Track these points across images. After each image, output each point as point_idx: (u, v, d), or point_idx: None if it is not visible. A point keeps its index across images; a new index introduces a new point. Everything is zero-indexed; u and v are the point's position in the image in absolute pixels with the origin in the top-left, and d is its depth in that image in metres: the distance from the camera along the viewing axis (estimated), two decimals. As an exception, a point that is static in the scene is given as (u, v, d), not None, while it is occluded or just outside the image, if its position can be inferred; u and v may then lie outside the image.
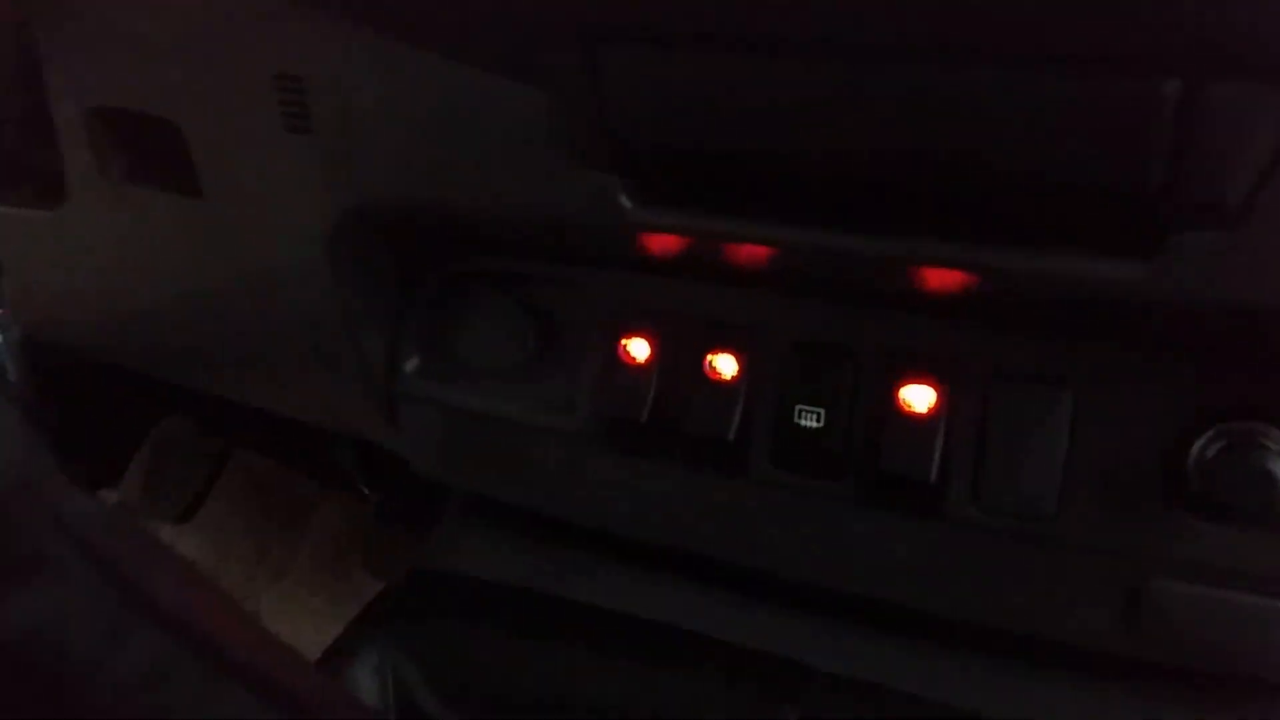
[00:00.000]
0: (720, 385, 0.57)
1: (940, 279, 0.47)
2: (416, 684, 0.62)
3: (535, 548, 0.68)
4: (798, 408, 0.55)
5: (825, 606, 0.60)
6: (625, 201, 0.50)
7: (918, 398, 0.53)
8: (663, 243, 0.52)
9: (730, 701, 0.58)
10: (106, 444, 1.46)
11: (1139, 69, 0.38)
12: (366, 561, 1.34)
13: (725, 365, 0.57)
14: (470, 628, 0.64)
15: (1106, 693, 0.55)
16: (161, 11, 0.59)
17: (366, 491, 1.35)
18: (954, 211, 0.45)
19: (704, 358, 0.57)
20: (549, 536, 0.67)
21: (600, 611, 0.63)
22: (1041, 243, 0.43)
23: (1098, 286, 0.43)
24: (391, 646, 0.62)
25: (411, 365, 0.67)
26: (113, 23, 0.62)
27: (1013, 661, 0.56)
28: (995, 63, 0.39)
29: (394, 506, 1.27)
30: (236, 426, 1.39)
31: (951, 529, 0.53)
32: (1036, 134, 0.40)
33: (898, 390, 0.53)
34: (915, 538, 0.55)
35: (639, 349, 0.59)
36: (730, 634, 0.61)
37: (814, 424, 0.55)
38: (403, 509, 1.23)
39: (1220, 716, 0.53)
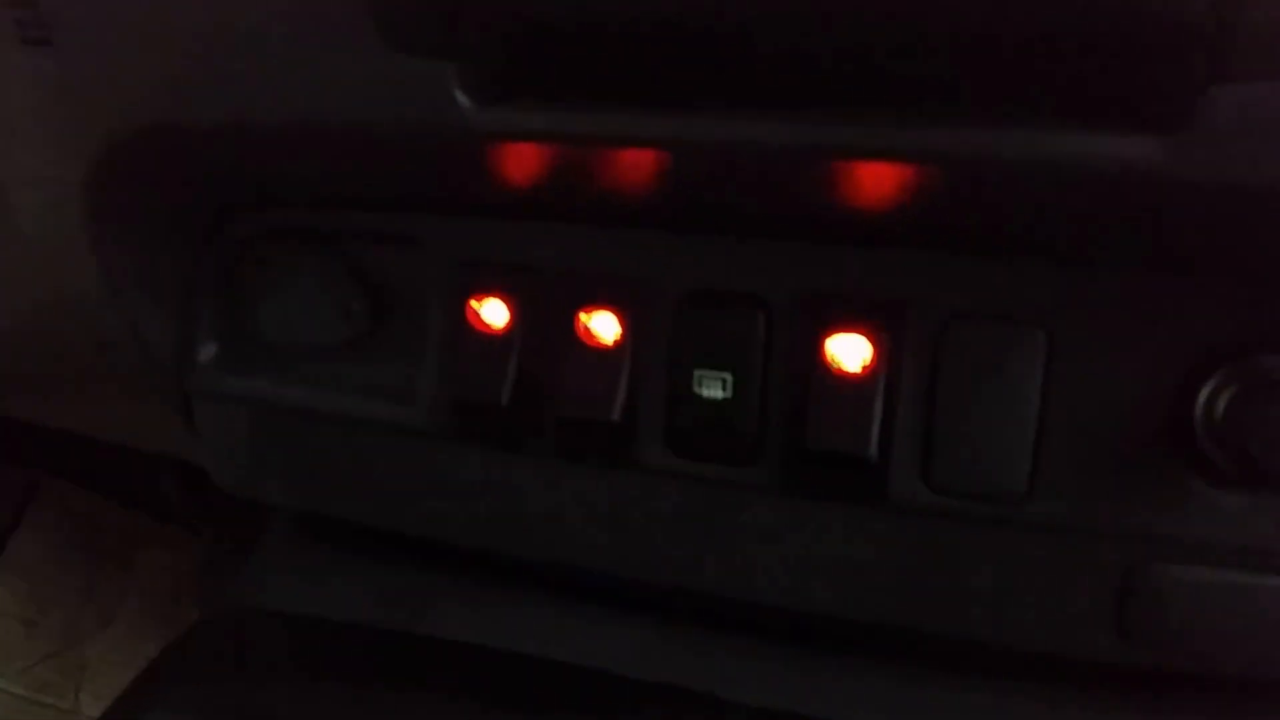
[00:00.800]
0: (598, 352, 0.46)
1: (880, 180, 0.36)
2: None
3: (375, 573, 0.55)
4: (697, 374, 0.44)
5: (744, 625, 0.49)
6: (462, 98, 0.38)
7: (849, 352, 0.42)
8: (516, 159, 0.40)
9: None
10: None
11: None
12: (199, 604, 1.20)
13: (603, 326, 0.46)
14: (289, 681, 0.50)
15: (1092, 711, 0.45)
16: None
17: (197, 524, 1.22)
18: (900, 79, 0.33)
19: (576, 318, 0.46)
20: (392, 558, 0.54)
21: (458, 649, 0.50)
22: (1022, 115, 0.33)
23: (1098, 175, 0.32)
24: (184, 709, 0.48)
25: (207, 352, 0.54)
26: None
27: (976, 678, 0.46)
28: None
29: (230, 540, 1.14)
30: (44, 453, 1.25)
31: (897, 517, 0.43)
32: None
33: (823, 344, 0.42)
34: (852, 531, 0.44)
35: (494, 313, 0.47)
36: (625, 665, 0.49)
37: (718, 394, 0.44)
38: (240, 543, 1.10)
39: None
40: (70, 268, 0.52)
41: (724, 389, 0.44)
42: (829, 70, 0.34)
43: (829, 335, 0.42)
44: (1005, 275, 0.40)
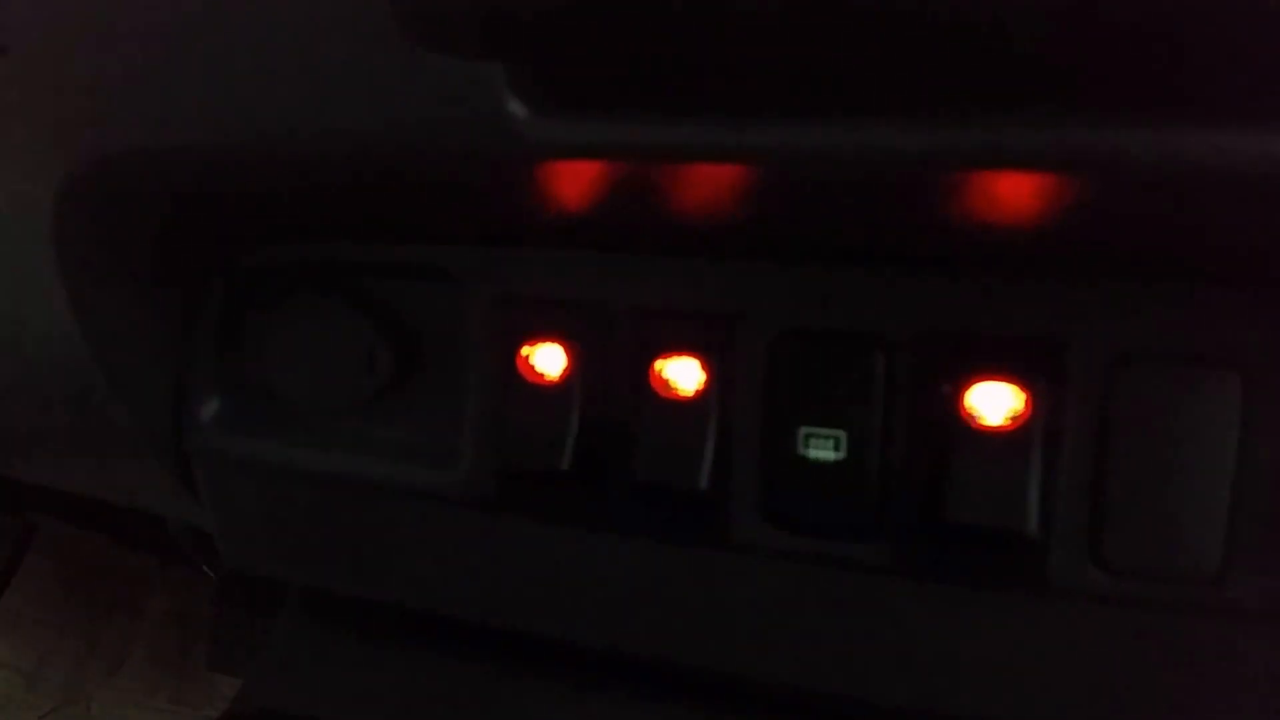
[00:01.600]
0: (679, 406, 0.38)
1: (1031, 194, 0.29)
2: None
3: (410, 665, 0.47)
4: (803, 432, 0.37)
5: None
6: (516, 107, 0.30)
7: (995, 404, 0.35)
8: (578, 179, 0.33)
9: None
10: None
11: None
12: (207, 660, 1.15)
13: (684, 375, 0.38)
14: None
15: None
16: None
17: (206, 567, 1.16)
18: (1045, 71, 0.26)
19: (650, 365, 0.38)
20: (429, 648, 0.47)
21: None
22: (1210, 114, 0.25)
23: None
24: None
25: (209, 410, 0.47)
26: None
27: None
28: None
29: (239, 585, 1.08)
30: (42, 492, 1.19)
31: (1060, 604, 0.35)
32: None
33: (963, 394, 0.35)
34: (1002, 622, 0.36)
35: (550, 360, 0.40)
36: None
37: (829, 454, 0.37)
38: (250, 588, 1.04)
39: None
40: (44, 311, 0.44)
41: (836, 449, 0.36)
42: (962, 67, 0.27)
43: (969, 383, 0.35)
44: (1186, 306, 0.33)
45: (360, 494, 0.45)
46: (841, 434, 0.36)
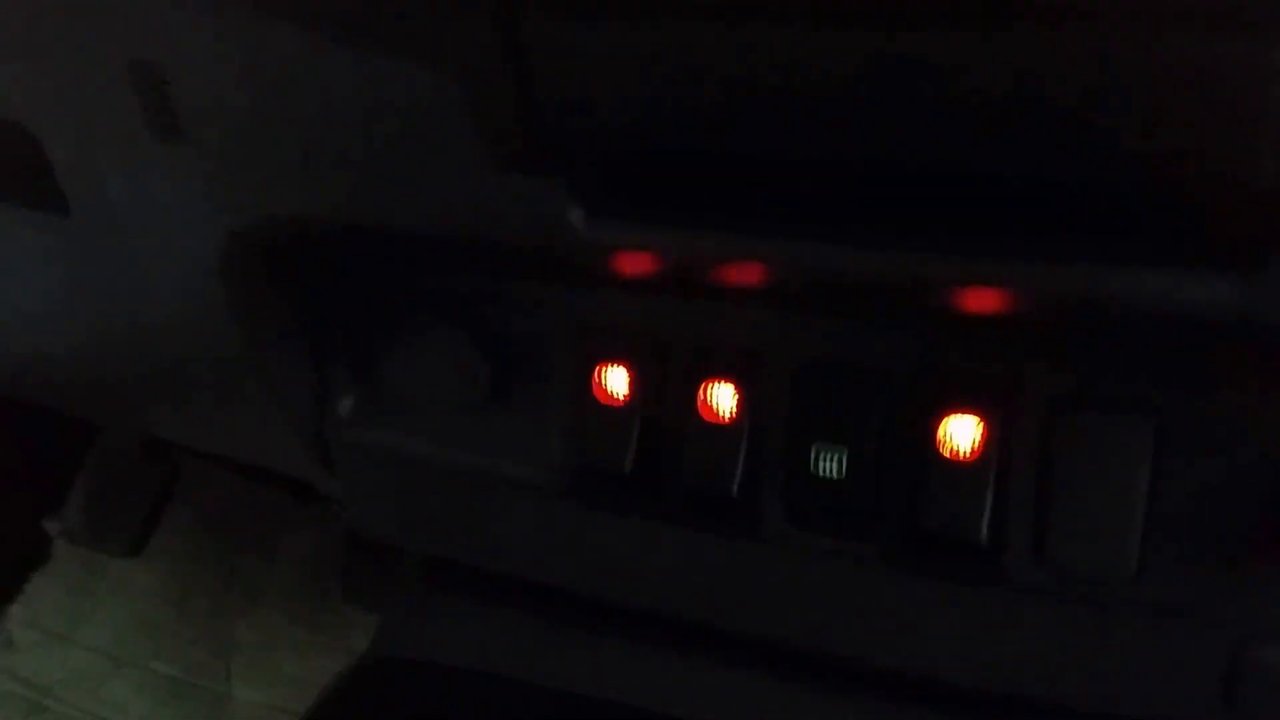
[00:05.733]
0: (717, 426, 0.51)
1: (982, 300, 0.42)
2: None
3: (516, 622, 0.63)
4: (815, 449, 0.49)
5: (859, 682, 0.55)
6: (574, 215, 0.44)
7: (961, 434, 0.47)
8: (631, 262, 0.47)
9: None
10: (41, 464, 1.42)
11: (1242, 29, 0.32)
12: (342, 586, 1.29)
13: (723, 399, 0.51)
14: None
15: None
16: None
17: (339, 507, 1.31)
18: (993, 214, 0.39)
19: (698, 391, 0.52)
20: (533, 607, 0.62)
21: (596, 705, 0.58)
22: (1112, 256, 0.38)
23: (1184, 309, 0.37)
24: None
25: (345, 405, 0.62)
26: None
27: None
28: (1052, 18, 0.33)
29: None
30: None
31: (1010, 596, 0.48)
32: (1107, 113, 0.34)
33: (937, 424, 0.47)
34: (965, 608, 0.49)
35: (617, 381, 0.53)
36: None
37: (835, 470, 0.49)
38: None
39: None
40: (206, 324, 0.60)
41: (840, 466, 0.49)
42: (936, 202, 0.40)
43: (942, 416, 0.47)
44: (1112, 364, 0.45)
45: (469, 481, 0.59)
46: (845, 452, 0.49)
